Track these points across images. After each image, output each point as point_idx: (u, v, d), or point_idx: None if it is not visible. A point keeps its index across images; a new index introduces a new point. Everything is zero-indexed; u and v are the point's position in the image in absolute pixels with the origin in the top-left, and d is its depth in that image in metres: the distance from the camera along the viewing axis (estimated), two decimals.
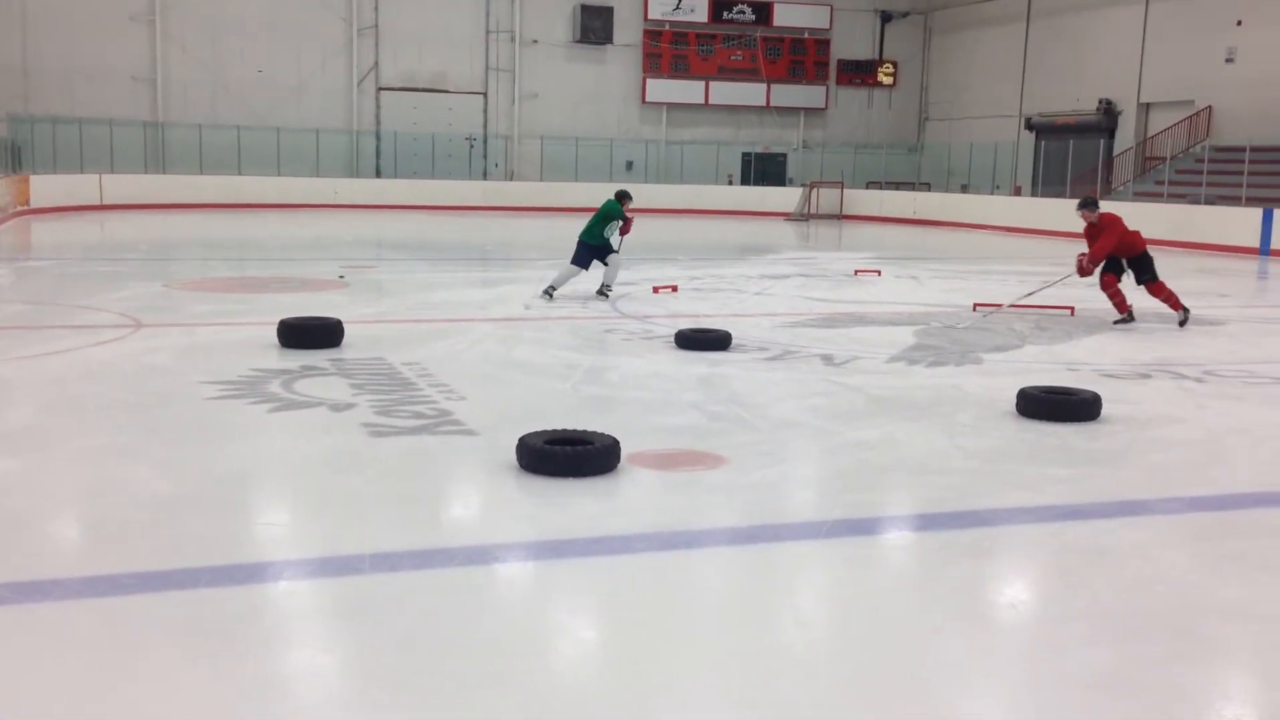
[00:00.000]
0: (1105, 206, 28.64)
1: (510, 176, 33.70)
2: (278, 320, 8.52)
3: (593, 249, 11.75)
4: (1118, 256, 10.80)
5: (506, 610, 3.78)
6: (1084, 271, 10.73)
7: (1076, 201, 11.19)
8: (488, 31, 33.19)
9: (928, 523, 4.80)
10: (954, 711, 3.10)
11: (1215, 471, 5.63)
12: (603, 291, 11.83)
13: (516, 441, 5.27)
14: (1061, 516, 4.82)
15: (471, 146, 33.50)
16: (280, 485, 5.21)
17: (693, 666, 3.33)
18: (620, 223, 11.87)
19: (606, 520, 4.68)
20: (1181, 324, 10.56)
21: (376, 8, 31.96)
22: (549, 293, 11.60)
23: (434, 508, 4.88)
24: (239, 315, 10.28)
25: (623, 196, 12.03)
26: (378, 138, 32.46)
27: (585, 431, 5.45)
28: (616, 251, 11.86)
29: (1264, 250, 20.91)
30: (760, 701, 3.11)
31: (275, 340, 8.33)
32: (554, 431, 5.43)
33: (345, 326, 8.60)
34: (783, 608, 3.86)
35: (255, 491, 5.08)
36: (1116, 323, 10.73)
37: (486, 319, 10.57)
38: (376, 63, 32.31)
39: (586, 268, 11.75)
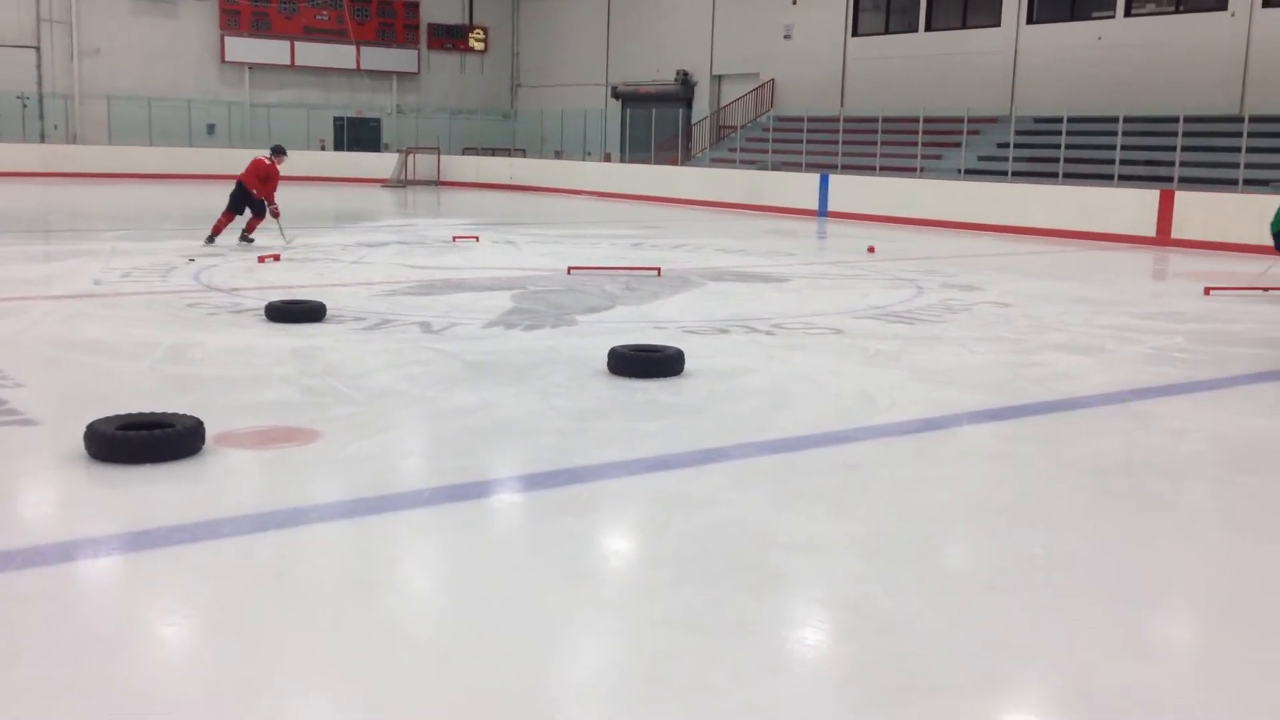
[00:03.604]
0: (685, 173, 30.30)
1: (73, 140, 30.73)
2: None
3: None
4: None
5: (78, 613, 3.46)
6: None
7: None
8: None
9: (527, 483, 4.89)
10: (561, 662, 3.19)
11: (781, 416, 6.15)
12: None
13: (85, 429, 4.84)
14: (649, 468, 5.07)
15: (24, 106, 30.19)
16: None
17: (297, 651, 3.20)
18: None
19: (191, 506, 4.39)
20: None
21: None
22: None
23: None
24: None
25: None
26: None
27: (164, 414, 5.08)
28: None
29: (822, 211, 23.09)
30: (373, 677, 3.04)
31: None
32: (128, 415, 5.02)
33: None
34: (388, 580, 3.80)
35: None
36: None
37: (47, 296, 9.58)
38: None
39: None
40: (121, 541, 4.03)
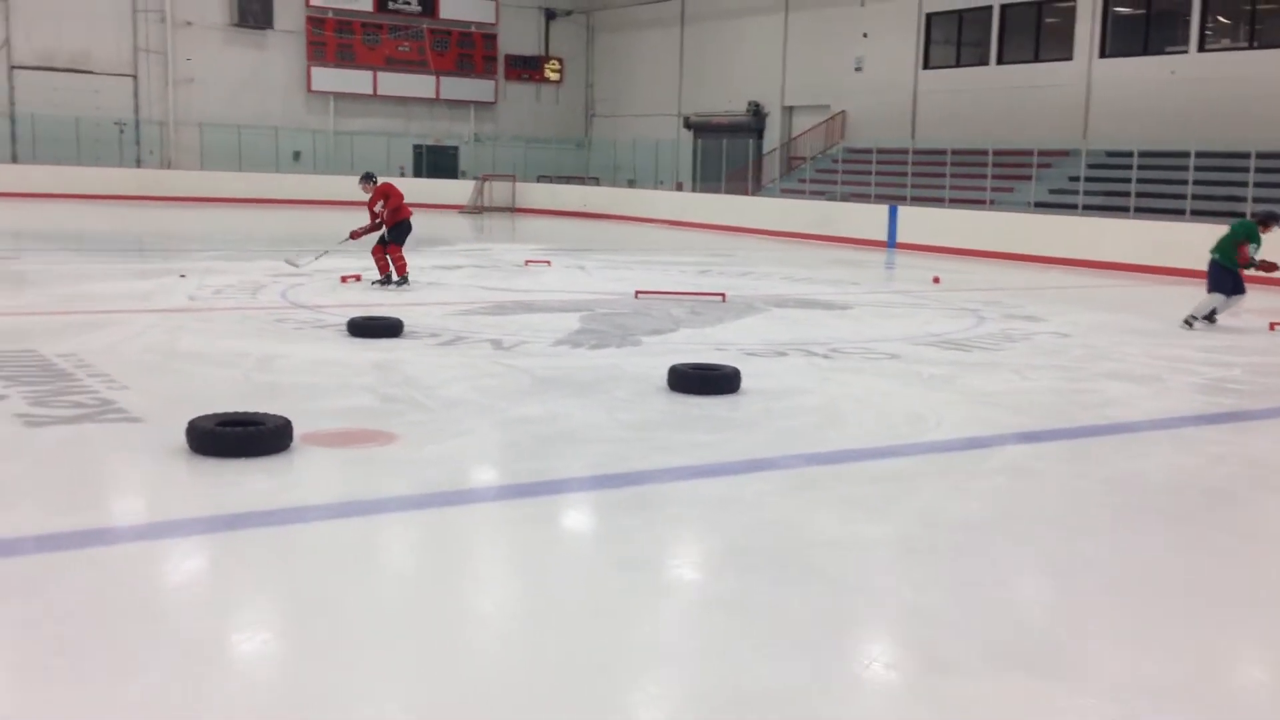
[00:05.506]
0: (755, 203, 30.35)
1: (167, 165, 31.96)
2: None
3: (1227, 271, 11.19)
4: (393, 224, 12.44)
5: (174, 582, 3.89)
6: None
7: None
8: (135, 10, 31.29)
9: (588, 484, 5.25)
10: (616, 638, 3.53)
11: (830, 432, 6.45)
12: (1209, 318, 11.25)
13: (186, 425, 5.30)
14: (701, 474, 5.41)
15: (122, 132, 31.49)
16: None
17: (375, 626, 3.58)
18: (1256, 247, 10.99)
19: (280, 495, 4.83)
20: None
21: None
22: (1190, 321, 11.15)
23: (98, 490, 4.84)
24: None
25: (1269, 219, 11.09)
26: (13, 120, 29.90)
27: (257, 413, 5.54)
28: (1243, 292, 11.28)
29: (890, 243, 23.25)
30: (447, 654, 3.41)
31: None
32: (224, 414, 5.48)
33: None
34: (456, 566, 4.18)
35: None
36: (374, 283, 12.32)
37: (148, 310, 10.20)
38: (8, 39, 29.75)
39: (1229, 293, 11.21)
40: (217, 522, 4.46)
